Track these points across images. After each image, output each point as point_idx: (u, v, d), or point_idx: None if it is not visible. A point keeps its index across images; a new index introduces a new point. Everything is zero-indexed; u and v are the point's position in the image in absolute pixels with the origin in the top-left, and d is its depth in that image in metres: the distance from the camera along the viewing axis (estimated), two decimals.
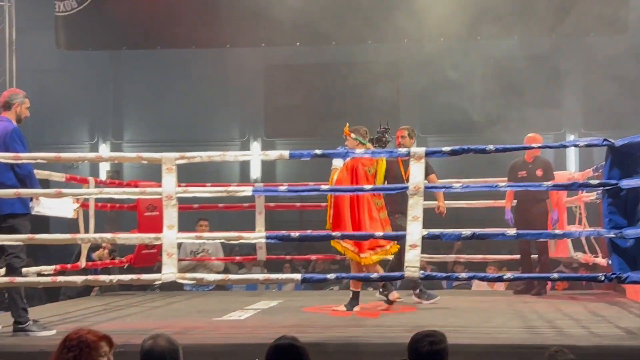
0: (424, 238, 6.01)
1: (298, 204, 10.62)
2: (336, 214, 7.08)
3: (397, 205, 7.35)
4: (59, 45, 12.06)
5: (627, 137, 5.87)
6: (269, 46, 12.72)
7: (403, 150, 6.35)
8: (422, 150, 6.07)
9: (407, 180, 6.25)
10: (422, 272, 5.98)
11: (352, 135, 7.23)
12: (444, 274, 6.57)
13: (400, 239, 6.18)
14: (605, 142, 5.84)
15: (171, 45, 12.50)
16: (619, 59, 12.71)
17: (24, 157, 6.08)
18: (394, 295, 7.25)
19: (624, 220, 5.84)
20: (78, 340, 3.41)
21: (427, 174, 7.27)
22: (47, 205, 6.21)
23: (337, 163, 7.01)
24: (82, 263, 8.16)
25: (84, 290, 9.10)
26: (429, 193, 6.45)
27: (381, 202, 7.27)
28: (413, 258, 5.92)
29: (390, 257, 7.35)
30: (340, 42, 12.36)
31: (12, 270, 6.10)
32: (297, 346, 3.77)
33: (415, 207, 5.99)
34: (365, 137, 7.24)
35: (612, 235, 5.81)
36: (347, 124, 7.31)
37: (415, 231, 5.94)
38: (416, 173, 6.04)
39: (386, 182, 7.26)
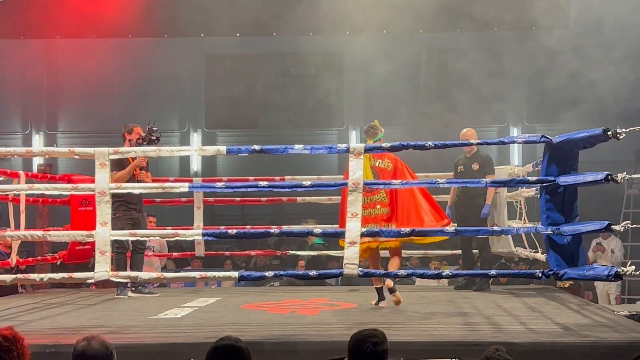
0: (362, 235, 6.11)
1: (238, 199, 10.63)
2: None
3: None
4: None
5: (566, 132, 6.03)
6: (208, 36, 12.69)
7: (342, 146, 6.40)
8: (361, 146, 6.16)
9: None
10: (361, 269, 6.05)
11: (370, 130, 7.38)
12: (383, 271, 6.68)
13: (340, 236, 6.23)
14: (543, 139, 5.97)
15: (107, 35, 12.39)
16: (562, 52, 12.96)
17: None
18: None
19: (562, 217, 5.98)
20: None
21: None
22: None
23: None
24: (13, 261, 8.08)
25: (10, 289, 8.94)
26: None
27: (378, 198, 7.20)
28: (352, 255, 6.00)
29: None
30: (281, 33, 12.38)
31: None
32: (239, 347, 3.79)
33: (355, 204, 6.07)
34: (368, 136, 7.34)
35: (549, 231, 5.95)
36: (376, 120, 7.42)
37: (354, 228, 6.02)
38: (355, 169, 6.13)
39: None
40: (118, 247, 8.31)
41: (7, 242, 8.77)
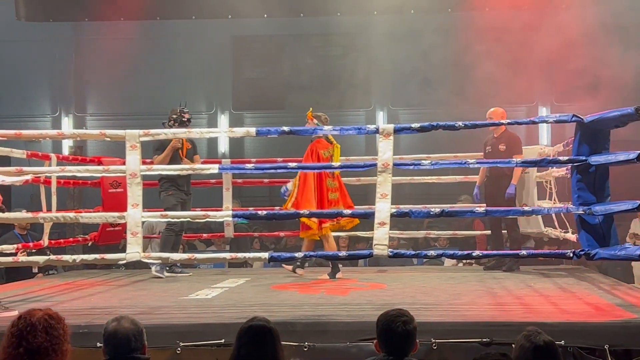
0: (392, 215, 6.09)
1: (266, 180, 10.65)
2: (302, 192, 7.64)
3: None
4: (19, 16, 11.93)
5: (597, 112, 5.97)
6: (236, 17, 12.66)
7: (371, 127, 6.38)
8: (391, 127, 6.13)
9: None
10: (390, 250, 6.05)
11: (314, 120, 7.68)
12: (412, 252, 6.67)
13: (370, 217, 6.22)
14: (574, 118, 5.92)
15: (134, 17, 12.41)
16: (593, 30, 12.81)
17: None
18: None
19: (593, 197, 5.94)
20: (26, 322, 3.31)
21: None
22: None
23: None
24: (45, 242, 8.15)
25: (25, 272, 8.99)
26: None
27: (335, 184, 7.94)
28: (382, 236, 5.99)
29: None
30: (309, 13, 12.33)
31: None
32: (270, 328, 3.83)
33: (384, 185, 6.05)
34: (324, 124, 7.72)
35: (580, 211, 5.91)
36: (311, 109, 7.80)
37: (383, 209, 6.01)
38: (385, 149, 6.10)
39: None
40: (172, 225, 8.44)
41: (22, 224, 8.86)
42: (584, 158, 5.89)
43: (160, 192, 8.49)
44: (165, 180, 8.39)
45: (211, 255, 6.93)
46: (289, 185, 7.91)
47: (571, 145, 6.47)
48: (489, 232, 9.13)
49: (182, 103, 8.42)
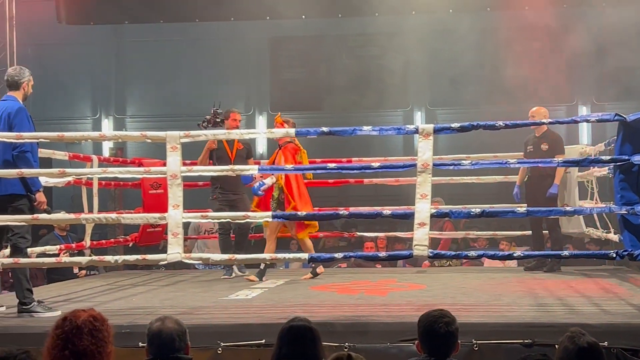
0: (432, 216, 6.06)
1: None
2: (299, 195, 7.98)
3: None
4: (60, 19, 12.05)
5: (639, 111, 5.90)
6: (274, 19, 12.69)
7: (411, 127, 6.36)
8: (430, 126, 6.10)
9: None
10: (431, 250, 6.02)
11: (285, 125, 7.77)
12: (452, 253, 6.63)
13: (409, 217, 6.18)
14: (616, 117, 5.85)
15: (174, 19, 12.49)
16: (633, 28, 12.64)
17: (26, 136, 6.11)
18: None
19: (636, 196, 5.87)
20: (71, 324, 3.34)
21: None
22: None
23: None
24: (87, 243, 8.24)
25: (68, 271, 9.08)
26: None
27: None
28: (421, 236, 5.96)
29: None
30: (347, 14, 12.31)
31: (17, 251, 6.15)
32: (311, 328, 3.84)
33: (424, 185, 6.02)
34: (292, 127, 7.82)
35: (623, 211, 5.84)
36: (280, 114, 7.96)
37: (423, 209, 5.98)
38: (424, 150, 6.07)
39: None
40: (221, 229, 8.50)
41: (62, 225, 8.96)
42: (626, 157, 5.82)
43: (210, 194, 8.57)
44: (213, 183, 8.47)
45: (250, 256, 6.94)
46: (267, 180, 7.86)
47: (613, 145, 6.39)
48: (529, 232, 9.05)
49: (216, 104, 8.45)
